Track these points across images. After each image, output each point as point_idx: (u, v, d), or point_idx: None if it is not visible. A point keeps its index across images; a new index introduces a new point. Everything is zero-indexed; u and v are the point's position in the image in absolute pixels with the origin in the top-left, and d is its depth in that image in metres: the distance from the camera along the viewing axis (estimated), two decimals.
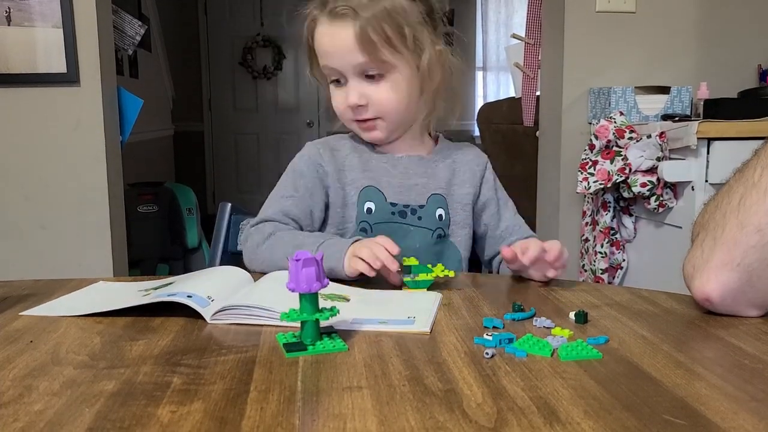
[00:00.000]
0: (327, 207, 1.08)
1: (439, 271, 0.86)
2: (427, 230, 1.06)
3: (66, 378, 0.55)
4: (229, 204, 1.28)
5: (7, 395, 0.52)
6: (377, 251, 0.85)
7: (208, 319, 0.71)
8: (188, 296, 0.73)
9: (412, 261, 0.88)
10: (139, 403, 0.50)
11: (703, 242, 0.73)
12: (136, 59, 3.71)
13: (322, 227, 1.08)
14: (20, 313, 0.75)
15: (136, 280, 0.92)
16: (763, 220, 0.68)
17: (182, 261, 3.32)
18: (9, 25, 1.95)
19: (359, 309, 0.76)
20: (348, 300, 0.80)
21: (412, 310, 0.75)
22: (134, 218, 3.01)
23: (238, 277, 0.86)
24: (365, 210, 1.05)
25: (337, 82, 1.04)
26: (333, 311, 0.65)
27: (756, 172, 0.70)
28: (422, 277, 0.86)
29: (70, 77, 1.98)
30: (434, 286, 0.87)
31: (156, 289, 0.81)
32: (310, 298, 0.63)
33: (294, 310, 0.64)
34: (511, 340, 0.63)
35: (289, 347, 0.61)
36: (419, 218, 1.05)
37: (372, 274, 0.85)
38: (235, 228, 1.26)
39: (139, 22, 2.63)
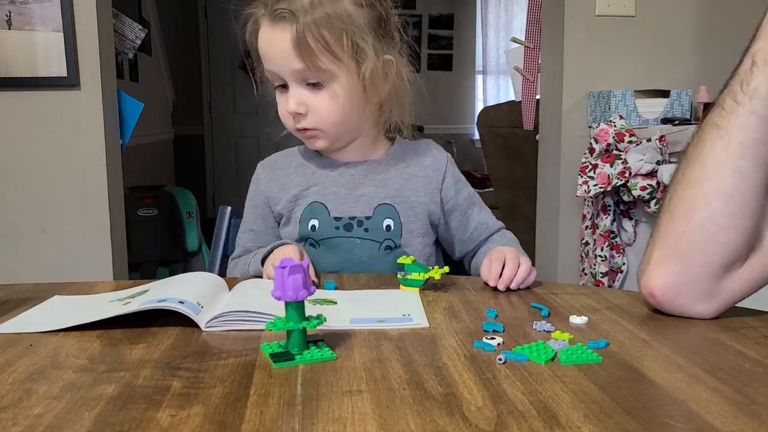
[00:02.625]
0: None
1: (434, 272, 0.85)
2: (374, 242, 1.03)
3: (66, 382, 0.55)
4: (229, 207, 1.28)
5: (7, 399, 0.52)
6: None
7: (202, 326, 0.70)
8: (180, 302, 0.71)
9: (406, 260, 0.88)
10: (138, 407, 0.50)
11: (647, 245, 0.78)
12: (136, 63, 3.72)
13: None
14: None
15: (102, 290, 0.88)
16: (689, 207, 0.73)
17: (182, 264, 3.32)
18: (9, 29, 1.95)
19: (351, 309, 0.76)
20: (335, 303, 0.80)
21: (404, 309, 0.77)
22: (134, 221, 3.01)
23: (213, 282, 0.86)
24: (309, 227, 1.04)
25: (282, 87, 1.01)
26: (320, 319, 0.63)
27: (678, 173, 0.76)
28: (414, 276, 0.86)
29: (70, 81, 1.98)
30: (431, 286, 0.87)
31: (132, 297, 0.79)
32: (296, 307, 0.62)
33: (280, 318, 0.63)
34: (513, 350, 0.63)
35: (276, 357, 0.60)
36: (366, 230, 1.03)
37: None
38: (234, 232, 1.26)
39: (140, 26, 2.63)
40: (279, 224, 1.10)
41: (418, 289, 0.86)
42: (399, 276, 0.87)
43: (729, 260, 0.72)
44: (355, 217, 1.03)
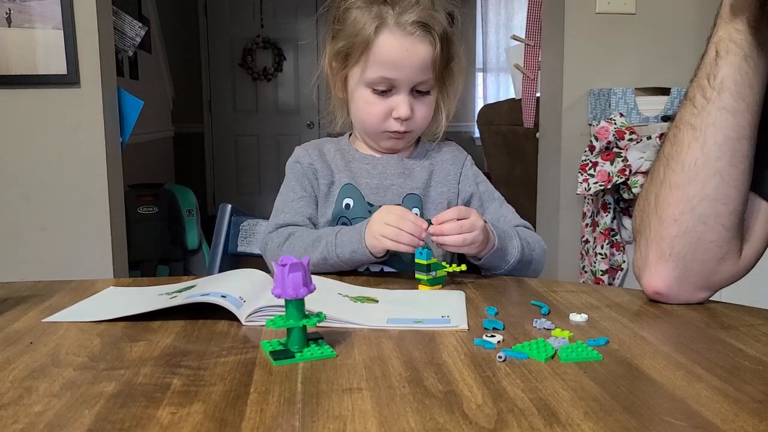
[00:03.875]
0: None
1: (454, 267, 0.87)
2: None
3: (66, 379, 0.55)
4: (229, 205, 1.28)
5: (7, 397, 0.52)
6: (401, 225, 0.89)
7: (243, 320, 0.70)
8: (222, 296, 0.72)
9: (432, 261, 0.88)
10: (139, 405, 0.50)
11: (640, 244, 0.81)
12: (136, 60, 3.72)
13: None
14: (43, 320, 0.73)
15: (155, 283, 0.90)
16: (676, 211, 0.76)
17: (182, 262, 3.32)
18: (9, 26, 1.95)
19: (390, 309, 0.76)
20: (376, 301, 0.80)
21: (443, 310, 0.76)
22: (134, 219, 3.01)
23: (259, 278, 0.86)
24: (344, 205, 1.07)
25: (381, 91, 1.02)
26: (320, 317, 0.63)
27: (660, 171, 0.78)
28: (440, 273, 0.87)
29: (70, 78, 1.98)
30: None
31: (180, 291, 0.80)
32: (296, 304, 0.62)
33: (279, 316, 0.63)
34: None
35: (276, 355, 0.60)
36: None
37: (399, 248, 0.89)
38: (235, 229, 1.26)
39: (140, 24, 2.63)
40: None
41: (439, 287, 0.87)
42: (420, 276, 0.87)
43: (721, 253, 0.77)
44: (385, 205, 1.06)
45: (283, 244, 1.00)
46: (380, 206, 1.04)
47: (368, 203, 1.07)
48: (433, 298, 0.83)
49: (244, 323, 0.70)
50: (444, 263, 0.89)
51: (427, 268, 0.87)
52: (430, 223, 0.90)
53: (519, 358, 0.60)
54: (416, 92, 1.03)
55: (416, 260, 0.88)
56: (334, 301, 0.77)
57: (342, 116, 1.12)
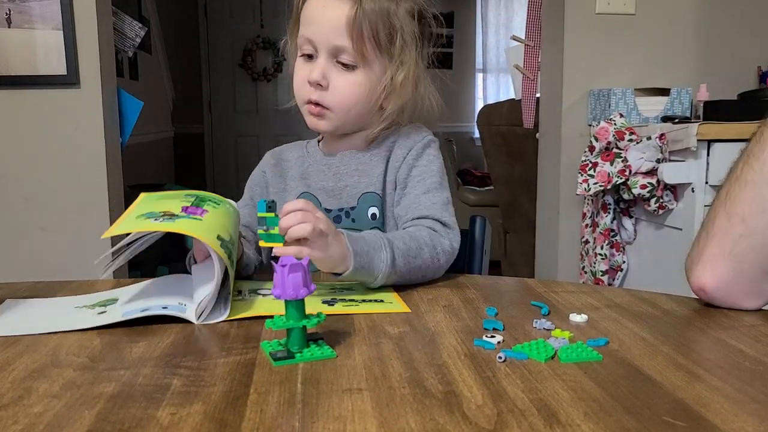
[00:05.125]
0: None
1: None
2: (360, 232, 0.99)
3: (66, 380, 0.55)
4: None
5: (7, 397, 0.52)
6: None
7: (195, 321, 0.70)
8: (163, 308, 0.72)
9: (268, 215, 0.78)
10: (138, 405, 0.50)
11: (700, 237, 0.78)
12: (136, 61, 3.72)
13: None
14: None
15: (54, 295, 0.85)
16: (747, 210, 0.73)
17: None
18: (9, 27, 1.95)
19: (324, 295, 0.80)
20: (116, 300, 0.80)
21: (375, 295, 0.82)
22: None
23: (179, 279, 0.86)
24: None
25: (307, 57, 1.00)
26: (320, 317, 0.63)
27: (738, 168, 0.75)
28: (277, 231, 0.77)
29: (70, 79, 1.98)
30: (431, 283, 0.87)
31: (103, 305, 0.77)
32: (296, 305, 0.61)
33: (280, 316, 0.63)
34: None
35: (276, 356, 0.60)
36: (353, 220, 1.02)
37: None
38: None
39: (139, 24, 2.63)
40: None
41: (281, 244, 0.77)
42: (260, 231, 0.78)
43: None
44: (342, 209, 1.03)
45: None
46: (338, 210, 1.02)
47: (326, 209, 1.03)
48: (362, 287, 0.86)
49: (197, 323, 0.70)
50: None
51: (262, 221, 0.77)
52: (271, 205, 0.78)
53: (519, 359, 0.60)
54: (339, 64, 0.97)
55: (258, 215, 0.78)
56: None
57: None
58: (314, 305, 0.74)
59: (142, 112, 2.26)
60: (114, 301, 0.79)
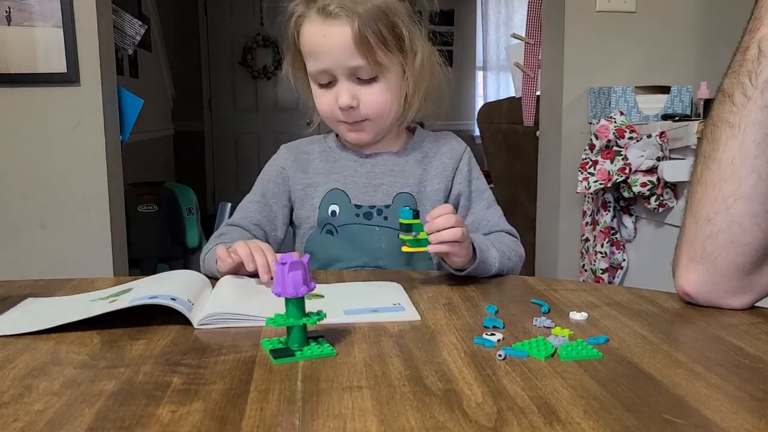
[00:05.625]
0: (292, 211, 1.10)
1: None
2: (393, 230, 1.03)
3: (66, 378, 0.55)
4: (229, 204, 1.29)
5: (7, 395, 0.52)
6: (257, 255, 0.85)
7: (195, 324, 0.69)
8: (172, 299, 0.71)
9: (414, 221, 0.84)
10: (139, 403, 0.50)
11: (677, 244, 0.79)
12: (136, 59, 3.71)
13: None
14: None
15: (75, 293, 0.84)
16: (711, 210, 0.73)
17: (182, 261, 3.32)
18: (9, 24, 1.95)
19: (341, 301, 0.77)
20: (322, 296, 0.80)
21: (393, 298, 0.78)
22: (134, 218, 3.01)
23: (197, 279, 0.85)
24: (329, 213, 1.05)
25: (325, 85, 1.00)
26: (320, 315, 0.63)
27: (698, 170, 0.76)
28: (423, 235, 0.84)
29: (70, 77, 1.98)
30: (429, 282, 0.87)
31: (117, 295, 0.77)
32: (296, 303, 0.62)
33: (280, 315, 0.63)
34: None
35: (277, 353, 0.60)
36: (385, 218, 1.04)
37: (228, 263, 0.86)
38: None
39: (140, 22, 2.63)
40: (291, 209, 1.10)
41: (423, 249, 0.84)
42: (404, 237, 0.84)
43: (756, 257, 0.73)
44: (375, 206, 1.04)
45: (209, 246, 1.01)
46: (369, 207, 1.03)
47: (355, 205, 1.04)
48: (375, 289, 0.84)
49: (196, 327, 0.69)
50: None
51: (409, 228, 0.84)
52: (416, 213, 0.85)
53: (519, 357, 0.60)
54: (360, 80, 0.98)
55: (400, 220, 0.84)
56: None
57: (314, 115, 1.09)
58: (336, 314, 0.72)
59: (142, 110, 2.26)
60: (128, 291, 0.79)
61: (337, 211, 1.04)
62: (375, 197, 1.04)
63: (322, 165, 1.08)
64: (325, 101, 1.01)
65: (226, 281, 0.85)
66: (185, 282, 0.82)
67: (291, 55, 1.04)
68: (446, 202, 1.07)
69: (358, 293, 0.83)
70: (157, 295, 0.72)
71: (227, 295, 0.79)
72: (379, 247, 1.03)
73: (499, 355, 0.59)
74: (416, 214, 0.84)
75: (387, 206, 1.04)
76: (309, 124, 1.12)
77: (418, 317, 0.72)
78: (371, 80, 0.98)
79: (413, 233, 0.84)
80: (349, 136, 1.04)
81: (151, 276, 0.87)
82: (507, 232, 1.06)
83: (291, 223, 1.12)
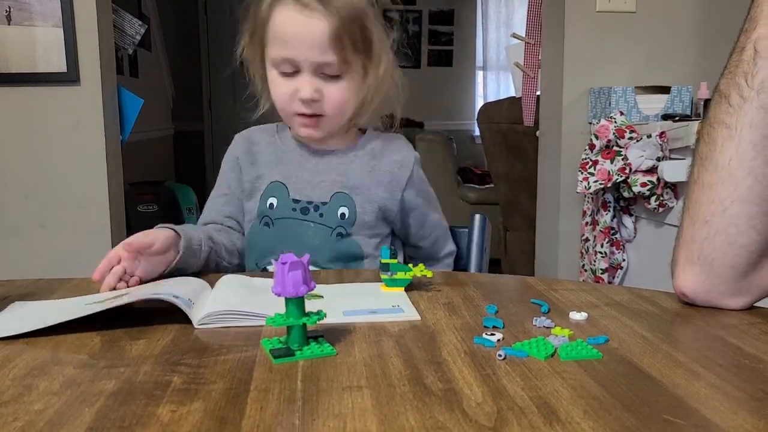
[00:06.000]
0: None
1: (417, 270, 0.84)
2: (326, 228, 1.04)
3: (66, 377, 0.55)
4: None
5: (7, 394, 0.52)
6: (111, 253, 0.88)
7: (195, 323, 0.69)
8: (174, 296, 0.71)
9: (391, 260, 0.85)
10: (139, 403, 0.50)
11: (674, 245, 0.79)
12: (136, 58, 3.71)
13: None
14: None
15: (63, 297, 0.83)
16: (707, 212, 0.73)
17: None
18: (9, 24, 1.95)
19: (340, 302, 0.77)
20: (321, 297, 0.80)
21: (391, 300, 0.78)
22: (134, 217, 3.01)
23: (195, 282, 0.85)
24: (267, 205, 1.05)
25: (288, 73, 0.98)
26: (320, 315, 0.63)
27: (694, 171, 0.76)
28: (400, 275, 0.84)
29: (70, 76, 1.98)
30: (414, 285, 0.87)
31: (113, 299, 0.76)
32: (296, 302, 0.62)
33: (280, 314, 0.63)
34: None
35: (277, 353, 0.60)
36: (321, 215, 1.04)
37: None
38: None
39: (140, 22, 2.63)
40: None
41: (400, 289, 0.84)
42: (383, 276, 0.85)
43: (753, 259, 0.73)
44: (312, 202, 1.04)
45: None
46: (306, 202, 1.04)
47: (293, 200, 1.04)
48: (375, 290, 0.84)
49: (196, 326, 0.69)
50: (410, 265, 0.85)
51: (386, 267, 0.84)
52: (393, 253, 0.86)
53: (519, 357, 0.60)
54: (325, 75, 0.97)
55: (381, 260, 0.85)
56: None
57: (265, 101, 1.08)
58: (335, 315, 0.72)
59: (142, 110, 2.26)
60: (126, 294, 0.79)
61: (275, 204, 1.05)
62: (314, 193, 1.04)
63: (269, 157, 1.08)
64: (284, 91, 0.99)
65: (225, 281, 0.85)
66: (184, 284, 0.82)
67: (252, 35, 1.02)
68: (396, 212, 1.08)
69: (357, 294, 0.83)
70: (160, 292, 0.72)
71: (227, 294, 0.79)
72: (312, 244, 1.02)
73: (499, 355, 0.59)
74: (393, 254, 0.85)
75: (324, 203, 1.04)
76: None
77: (417, 318, 0.72)
78: (335, 77, 0.98)
79: (389, 272, 0.84)
80: (301, 131, 1.03)
81: (148, 284, 0.87)
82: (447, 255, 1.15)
83: None
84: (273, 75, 1.00)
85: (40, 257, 2.04)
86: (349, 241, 1.04)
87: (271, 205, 1.05)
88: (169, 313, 0.72)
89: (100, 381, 0.54)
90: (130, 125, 2.22)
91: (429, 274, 0.84)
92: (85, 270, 0.94)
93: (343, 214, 1.04)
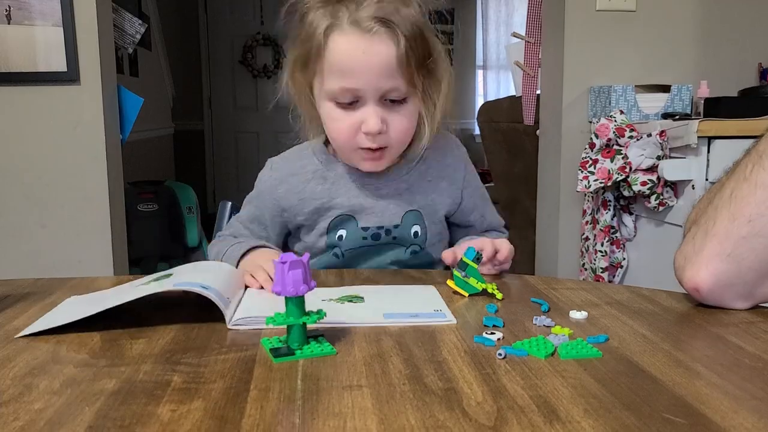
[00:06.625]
0: (290, 232, 1.07)
1: (489, 287, 0.80)
2: (401, 247, 1.01)
3: (66, 376, 0.55)
4: (229, 203, 1.28)
5: (8, 394, 0.52)
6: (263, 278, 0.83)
7: (228, 324, 0.69)
8: (203, 287, 0.70)
9: (472, 264, 0.81)
10: (139, 402, 0.50)
11: (695, 236, 0.76)
12: (136, 58, 3.71)
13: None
14: (16, 336, 0.66)
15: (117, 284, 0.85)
16: (754, 211, 0.70)
17: (182, 260, 3.32)
18: (9, 23, 1.95)
19: (381, 305, 0.76)
20: (362, 299, 0.80)
21: (434, 304, 0.77)
22: (134, 217, 3.01)
23: (233, 274, 0.85)
24: (336, 237, 1.00)
25: (347, 104, 0.89)
26: (320, 314, 0.63)
27: (747, 168, 0.73)
28: (472, 281, 0.80)
29: (70, 76, 1.98)
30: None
31: (157, 280, 0.78)
32: (296, 302, 0.62)
33: (280, 314, 0.63)
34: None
35: (277, 352, 0.60)
36: (394, 238, 1.01)
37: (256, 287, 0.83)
38: None
39: (140, 21, 2.63)
40: (291, 232, 1.06)
41: (465, 293, 0.81)
42: (456, 272, 0.81)
43: None
44: (383, 227, 0.99)
45: (224, 240, 1.01)
46: (377, 228, 0.99)
47: (362, 228, 0.99)
48: (415, 293, 0.83)
49: (229, 327, 0.68)
50: (485, 280, 0.81)
51: (463, 266, 0.81)
52: (479, 258, 0.83)
53: (519, 356, 0.60)
54: (388, 101, 0.89)
55: (462, 258, 0.81)
56: (322, 307, 0.76)
57: (315, 133, 1.01)
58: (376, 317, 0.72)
59: (142, 109, 2.26)
60: (169, 276, 0.79)
61: (344, 235, 1.00)
62: (383, 218, 0.99)
63: (320, 188, 0.99)
64: (345, 125, 0.90)
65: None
66: (226, 278, 0.80)
67: (303, 66, 0.92)
68: (454, 212, 1.06)
69: (397, 297, 0.81)
70: (208, 286, 0.71)
71: (261, 297, 0.79)
72: (384, 263, 1.01)
73: (499, 354, 0.59)
74: (478, 258, 0.82)
75: (396, 225, 1.00)
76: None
77: (455, 321, 0.71)
78: (399, 102, 0.89)
79: (464, 273, 0.80)
80: (365, 165, 0.95)
81: (193, 264, 0.87)
82: (500, 231, 1.11)
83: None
84: (328, 108, 0.91)
85: (40, 257, 2.04)
86: (423, 254, 1.02)
87: (341, 236, 0.99)
88: (169, 313, 0.72)
89: (101, 380, 0.54)
90: (130, 125, 2.22)
91: (499, 296, 0.80)
92: (85, 269, 0.94)
93: (416, 233, 1.01)
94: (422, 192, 1.02)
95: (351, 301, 0.78)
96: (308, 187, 1.00)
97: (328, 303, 0.77)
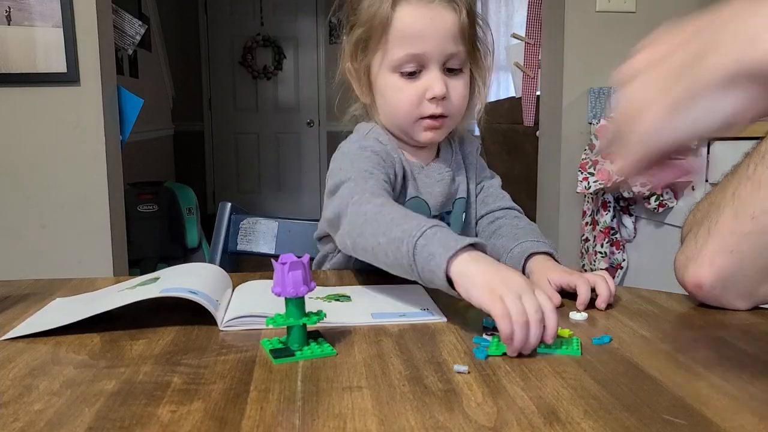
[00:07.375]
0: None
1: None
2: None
3: (66, 377, 0.55)
4: (229, 204, 1.28)
5: (7, 395, 0.52)
6: (533, 312, 0.61)
7: (220, 325, 0.69)
8: (192, 292, 0.70)
9: (489, 338, 0.66)
10: (139, 403, 0.50)
11: (697, 234, 0.76)
12: (136, 59, 3.71)
13: None
14: (0, 339, 0.65)
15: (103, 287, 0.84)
16: (758, 208, 0.70)
17: (182, 260, 3.32)
18: (9, 24, 1.95)
19: (368, 305, 0.76)
20: (349, 298, 0.80)
21: (421, 303, 0.77)
22: (134, 218, 3.01)
23: (220, 277, 0.84)
24: None
25: (410, 74, 0.93)
26: (320, 315, 0.63)
27: (749, 168, 0.73)
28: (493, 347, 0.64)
29: (70, 77, 1.98)
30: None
31: (143, 285, 0.77)
32: (296, 303, 0.61)
33: (280, 314, 0.63)
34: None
35: (277, 353, 0.60)
36: (449, 224, 1.03)
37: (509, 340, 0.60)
38: (234, 228, 1.26)
39: (140, 22, 2.63)
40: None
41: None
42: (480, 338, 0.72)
43: None
44: (440, 214, 1.03)
45: (363, 220, 0.80)
46: (442, 216, 1.01)
47: (433, 215, 1.01)
48: (401, 292, 0.82)
49: (221, 329, 0.68)
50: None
51: (486, 330, 0.68)
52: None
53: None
54: (448, 70, 0.94)
55: (484, 323, 0.72)
56: (308, 306, 0.75)
57: (368, 115, 1.02)
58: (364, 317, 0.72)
59: (142, 110, 2.27)
60: (156, 279, 0.78)
61: None
62: (445, 205, 1.03)
63: (400, 170, 0.99)
64: (410, 94, 0.94)
65: (248, 286, 0.85)
66: (212, 279, 0.80)
67: (364, 46, 0.96)
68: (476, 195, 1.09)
69: (385, 296, 0.81)
70: (197, 290, 0.70)
71: (251, 296, 0.79)
72: None
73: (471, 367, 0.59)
74: (493, 333, 0.67)
75: (448, 212, 1.04)
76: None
77: (444, 319, 0.71)
78: (456, 72, 0.95)
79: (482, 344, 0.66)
80: (426, 135, 0.96)
81: (177, 267, 0.86)
82: (518, 210, 1.09)
83: None
84: (392, 80, 0.94)
85: (40, 258, 2.04)
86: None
87: None
88: (169, 314, 0.72)
89: (100, 381, 0.54)
90: (130, 125, 2.22)
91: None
92: (85, 270, 0.94)
93: (464, 219, 1.06)
94: (462, 180, 1.06)
95: (338, 300, 0.78)
96: (392, 166, 0.97)
97: (315, 301, 0.77)
